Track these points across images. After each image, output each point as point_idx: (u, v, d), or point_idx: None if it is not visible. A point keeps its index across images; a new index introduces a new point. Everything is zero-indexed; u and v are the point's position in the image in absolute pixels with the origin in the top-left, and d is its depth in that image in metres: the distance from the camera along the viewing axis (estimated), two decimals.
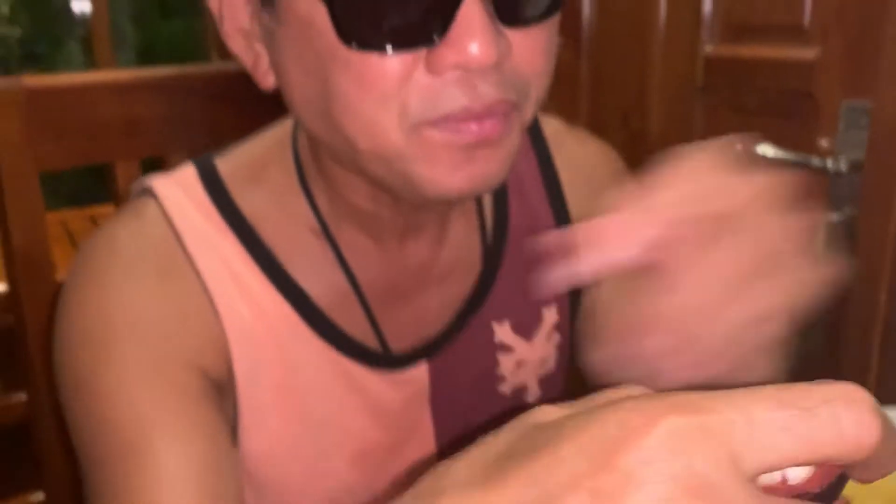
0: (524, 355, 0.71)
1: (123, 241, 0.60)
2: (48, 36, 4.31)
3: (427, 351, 0.67)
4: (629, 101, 1.29)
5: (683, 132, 1.23)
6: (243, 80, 0.57)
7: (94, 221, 2.36)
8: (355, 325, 0.64)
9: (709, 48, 1.17)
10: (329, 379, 0.63)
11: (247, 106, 0.69)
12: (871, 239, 0.99)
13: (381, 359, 0.65)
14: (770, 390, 0.24)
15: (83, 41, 4.10)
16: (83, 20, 3.20)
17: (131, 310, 0.57)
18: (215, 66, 0.93)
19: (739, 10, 1.13)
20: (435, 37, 0.47)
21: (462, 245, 0.68)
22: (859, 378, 1.03)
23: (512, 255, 0.70)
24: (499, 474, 0.24)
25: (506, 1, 0.48)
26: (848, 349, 1.03)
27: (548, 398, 0.74)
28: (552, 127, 0.75)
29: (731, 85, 1.16)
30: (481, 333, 0.69)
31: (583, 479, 0.22)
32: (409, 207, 0.60)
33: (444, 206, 0.64)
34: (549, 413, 0.27)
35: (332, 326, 0.63)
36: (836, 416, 0.23)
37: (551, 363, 0.74)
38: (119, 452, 0.54)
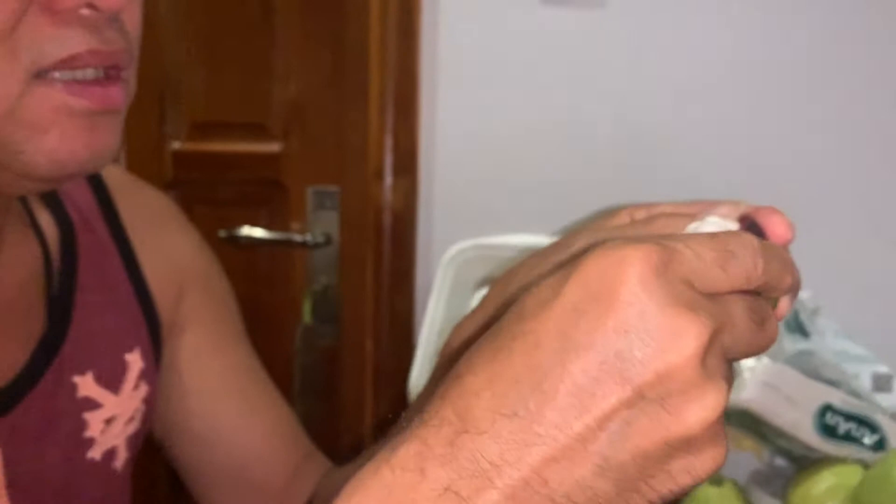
0: (114, 411, 0.65)
1: None
2: None
3: None
4: None
5: None
6: None
7: None
8: None
9: (176, 145, 1.23)
10: None
11: None
12: (352, 300, 1.16)
13: None
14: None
15: None
16: None
17: None
18: None
19: (200, 107, 1.23)
20: None
21: (23, 270, 0.60)
22: (356, 414, 1.17)
23: (86, 294, 0.64)
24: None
25: None
26: (345, 391, 1.17)
27: (134, 457, 0.68)
28: (111, 172, 0.73)
29: (201, 179, 1.23)
30: (62, 388, 0.61)
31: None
32: None
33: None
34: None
35: None
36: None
37: (138, 419, 0.68)
38: None
